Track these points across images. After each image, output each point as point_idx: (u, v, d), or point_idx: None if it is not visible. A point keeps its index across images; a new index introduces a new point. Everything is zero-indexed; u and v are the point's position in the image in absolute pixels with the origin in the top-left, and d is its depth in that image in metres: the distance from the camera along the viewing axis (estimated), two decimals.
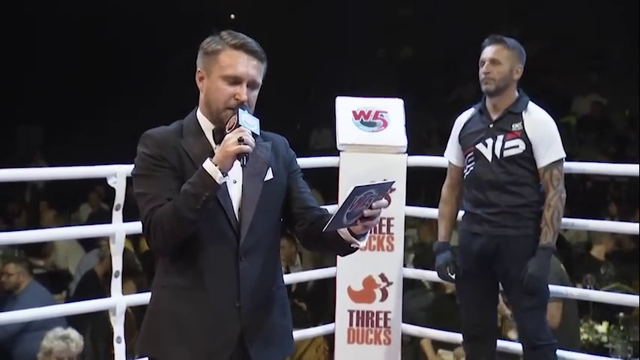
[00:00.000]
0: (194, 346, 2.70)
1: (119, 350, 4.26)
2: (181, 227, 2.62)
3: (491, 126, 4.31)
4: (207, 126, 2.78)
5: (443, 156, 4.64)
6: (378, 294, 4.93)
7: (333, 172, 4.97)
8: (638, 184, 8.38)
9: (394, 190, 4.75)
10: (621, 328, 6.26)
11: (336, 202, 4.34)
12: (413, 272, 5.82)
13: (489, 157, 4.28)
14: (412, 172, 4.96)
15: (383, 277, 4.93)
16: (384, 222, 4.89)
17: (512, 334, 5.46)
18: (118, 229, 4.24)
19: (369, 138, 4.91)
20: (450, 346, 5.74)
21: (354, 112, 4.98)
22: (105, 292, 4.78)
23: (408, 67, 15.64)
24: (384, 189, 2.58)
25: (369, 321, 4.92)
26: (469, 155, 4.37)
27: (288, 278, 5.04)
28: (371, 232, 3.94)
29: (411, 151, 4.98)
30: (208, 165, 2.60)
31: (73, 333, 5.08)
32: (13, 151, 14.85)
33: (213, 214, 2.67)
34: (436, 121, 13.20)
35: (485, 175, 4.29)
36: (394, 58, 16.58)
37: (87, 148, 10.74)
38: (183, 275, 2.73)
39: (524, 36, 9.26)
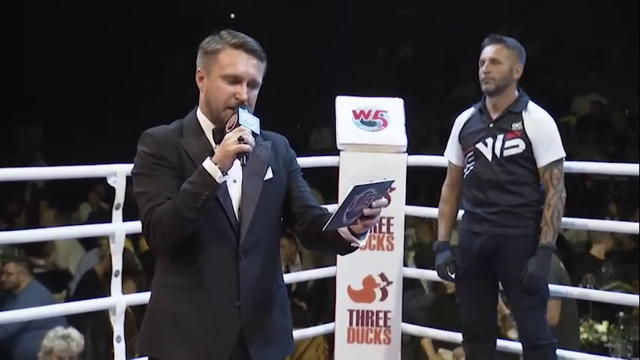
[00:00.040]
0: (194, 346, 2.70)
1: (119, 350, 4.26)
2: (181, 226, 2.62)
3: (491, 125, 4.31)
4: (207, 125, 2.78)
5: (443, 155, 4.64)
6: (378, 293, 4.93)
7: (333, 172, 4.97)
8: (638, 184, 8.37)
9: (394, 189, 4.75)
10: (621, 327, 6.26)
11: (336, 202, 4.34)
12: (413, 272, 5.82)
13: (489, 157, 4.28)
14: (412, 172, 4.96)
15: (383, 276, 4.93)
16: (384, 221, 4.89)
17: (513, 334, 5.47)
18: (118, 229, 4.24)
19: (369, 137, 4.91)
20: (450, 345, 5.74)
21: (354, 112, 4.98)
22: (105, 292, 4.78)
23: (408, 67, 15.65)
24: (383, 188, 2.58)
25: (369, 320, 4.92)
26: (469, 155, 4.37)
27: (288, 277, 5.04)
28: (371, 231, 3.95)
29: (411, 150, 4.98)
30: (208, 164, 2.60)
31: (73, 332, 5.08)
32: (13, 151, 14.86)
33: (213, 214, 2.67)
34: (436, 121, 13.21)
35: (485, 174, 4.29)
36: (394, 57, 16.58)
37: (87, 147, 10.75)
38: (182, 274, 2.73)
39: (524, 36, 9.27)
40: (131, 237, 7.05)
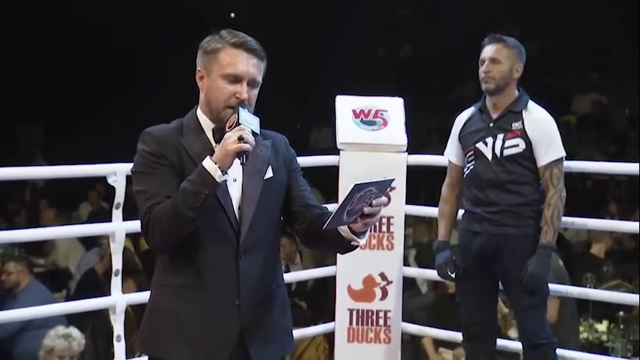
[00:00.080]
0: (194, 345, 2.70)
1: (119, 349, 4.26)
2: (180, 225, 2.62)
3: (491, 125, 4.31)
4: (207, 124, 2.78)
5: (443, 155, 4.64)
6: (378, 293, 4.93)
7: (333, 171, 4.97)
8: (638, 183, 8.37)
9: (394, 188, 4.75)
10: (621, 326, 6.27)
11: (336, 201, 4.34)
12: (412, 271, 5.82)
13: (489, 156, 4.28)
14: (412, 171, 4.96)
15: (383, 275, 4.93)
16: (384, 221, 4.89)
17: (513, 333, 5.47)
18: (118, 228, 4.25)
19: (369, 137, 4.91)
20: (451, 345, 5.75)
21: (353, 111, 4.98)
22: (105, 291, 4.78)
23: (408, 67, 15.64)
24: (383, 186, 2.58)
25: (369, 320, 4.92)
26: (469, 154, 4.37)
27: (288, 277, 5.03)
28: (371, 230, 3.95)
29: (411, 150, 4.98)
30: (208, 163, 2.60)
31: (74, 331, 5.09)
32: (13, 151, 14.86)
33: (212, 213, 2.67)
34: (436, 121, 13.20)
35: (486, 173, 4.29)
36: (394, 57, 16.58)
37: (87, 147, 10.74)
38: (182, 274, 2.73)
39: (524, 35, 9.26)
40: (131, 236, 7.05)
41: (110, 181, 4.19)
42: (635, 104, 12.57)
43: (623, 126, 13.14)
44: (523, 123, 4.25)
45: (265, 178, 2.78)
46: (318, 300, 6.88)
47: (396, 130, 4.95)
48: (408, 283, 6.41)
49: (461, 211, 4.54)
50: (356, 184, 2.50)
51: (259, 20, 13.42)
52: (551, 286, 4.43)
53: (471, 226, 4.35)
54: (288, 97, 13.66)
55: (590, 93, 13.61)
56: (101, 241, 7.47)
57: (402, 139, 4.93)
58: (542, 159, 4.22)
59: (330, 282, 5.11)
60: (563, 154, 4.26)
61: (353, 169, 4.82)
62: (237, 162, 2.62)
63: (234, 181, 2.74)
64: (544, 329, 4.27)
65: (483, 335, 4.41)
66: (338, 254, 4.74)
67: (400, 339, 5.00)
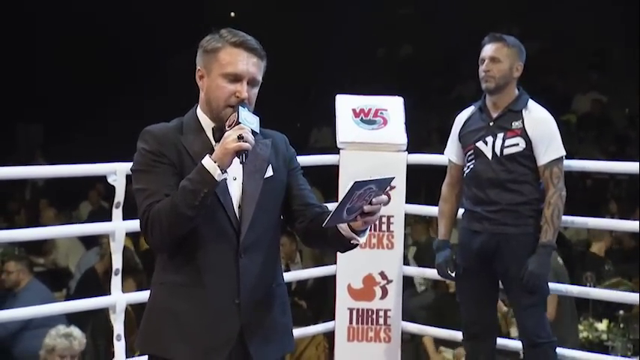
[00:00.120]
0: (193, 343, 2.70)
1: (119, 348, 4.26)
2: (179, 223, 2.62)
3: (491, 124, 4.31)
4: (207, 123, 2.78)
5: (443, 154, 4.64)
6: (378, 292, 4.93)
7: (333, 170, 4.97)
8: (638, 182, 8.38)
9: (394, 187, 4.75)
10: (621, 325, 6.27)
11: (336, 200, 4.34)
12: (412, 270, 5.82)
13: (489, 155, 4.28)
14: (412, 170, 4.96)
15: (383, 274, 4.93)
16: (384, 220, 4.89)
17: (515, 332, 5.47)
18: (118, 227, 4.25)
19: (369, 136, 4.91)
20: (452, 344, 5.75)
21: (353, 110, 4.97)
22: (105, 290, 4.78)
23: (408, 66, 15.64)
24: (383, 184, 2.58)
25: (369, 319, 4.92)
26: (469, 153, 4.37)
27: (288, 276, 5.04)
28: (371, 229, 3.95)
29: (411, 149, 4.98)
30: (207, 161, 2.60)
31: (75, 331, 5.08)
32: (13, 150, 14.86)
33: (212, 211, 2.68)
34: (436, 120, 13.21)
35: (486, 173, 4.29)
36: (394, 57, 16.58)
37: (87, 147, 10.74)
38: (181, 272, 2.73)
39: (524, 35, 9.26)
40: (131, 235, 7.05)
41: (110, 180, 4.19)
42: (635, 104, 12.57)
43: (623, 125, 13.14)
44: (523, 122, 4.25)
45: (265, 176, 2.78)
46: (318, 299, 6.88)
47: (396, 129, 4.94)
48: (406, 282, 6.42)
49: (461, 210, 4.54)
50: (356, 182, 2.50)
51: (259, 19, 13.42)
52: (551, 285, 4.43)
53: (471, 225, 4.35)
54: (288, 96, 13.66)
55: (590, 92, 13.60)
56: (101, 240, 7.47)
57: (402, 138, 4.93)
58: (542, 158, 4.22)
59: (330, 281, 5.11)
60: (563, 153, 4.26)
61: (353, 169, 4.81)
62: (236, 161, 2.62)
63: (234, 180, 2.74)
64: (544, 328, 4.27)
65: (483, 334, 4.41)
66: (338, 253, 4.74)
67: (400, 338, 5.00)
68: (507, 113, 4.29)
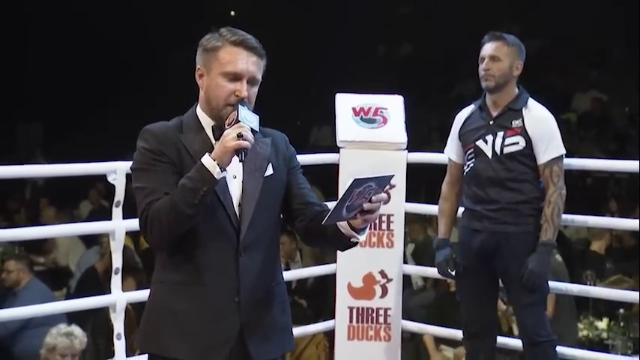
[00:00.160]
0: (193, 342, 2.70)
1: (119, 347, 4.26)
2: (178, 222, 2.62)
3: (491, 123, 4.31)
4: (206, 122, 2.78)
5: (443, 153, 4.64)
6: (378, 290, 4.93)
7: (333, 169, 4.97)
8: (638, 181, 8.38)
9: (394, 186, 4.75)
10: (621, 324, 6.27)
11: (336, 199, 4.34)
12: (413, 269, 5.82)
13: (489, 154, 4.28)
14: (412, 169, 4.96)
15: (383, 273, 4.93)
16: (384, 218, 4.90)
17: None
18: (118, 226, 4.25)
19: (369, 135, 4.91)
20: (453, 343, 5.75)
21: (353, 109, 4.97)
22: (105, 289, 4.79)
23: (409, 65, 15.64)
24: (383, 182, 2.58)
25: (369, 317, 4.92)
26: (469, 152, 4.37)
27: (288, 275, 5.04)
28: (371, 228, 3.95)
29: (411, 148, 4.97)
30: (207, 160, 2.60)
31: (76, 330, 5.09)
32: (13, 149, 14.85)
33: (212, 210, 2.68)
34: (436, 119, 13.21)
35: (486, 171, 4.29)
36: (394, 55, 16.59)
37: (87, 146, 10.74)
38: (181, 271, 2.73)
39: (524, 33, 9.27)
40: (131, 234, 7.06)
41: (110, 179, 4.19)
42: (635, 102, 12.57)
43: (623, 124, 13.14)
44: (523, 121, 4.25)
45: (265, 175, 2.78)
46: (319, 298, 6.88)
47: (396, 128, 4.94)
48: (404, 280, 6.42)
49: (461, 209, 4.54)
50: (355, 179, 2.49)
51: (259, 18, 13.42)
52: (551, 284, 4.43)
53: (471, 223, 4.35)
54: (288, 95, 13.66)
55: (590, 91, 13.61)
56: (101, 239, 7.47)
57: (402, 137, 4.93)
58: (542, 156, 4.22)
59: (330, 280, 5.11)
60: (563, 151, 4.26)
61: (353, 167, 4.81)
62: (236, 159, 2.62)
63: (234, 179, 2.74)
64: (544, 327, 4.27)
65: (483, 333, 4.41)
66: (338, 252, 4.74)
67: (400, 337, 5.00)
68: (507, 112, 4.29)
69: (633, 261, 7.38)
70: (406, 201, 4.97)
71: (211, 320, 2.71)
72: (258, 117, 2.70)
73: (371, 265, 4.92)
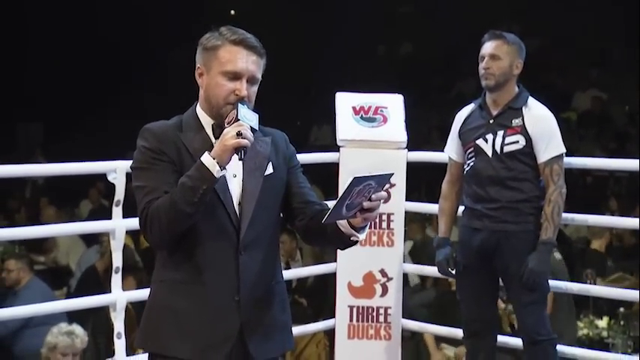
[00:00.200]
0: (193, 341, 2.70)
1: (119, 346, 4.26)
2: (178, 220, 2.63)
3: (491, 121, 4.31)
4: (206, 121, 2.78)
5: (443, 152, 4.64)
6: (378, 289, 4.93)
7: (333, 168, 4.97)
8: (638, 180, 8.37)
9: (394, 185, 4.75)
10: (621, 323, 6.26)
11: (336, 198, 4.35)
12: (413, 268, 5.82)
13: (489, 153, 4.28)
14: (412, 168, 4.96)
15: (383, 272, 4.93)
16: (384, 217, 4.90)
17: None
18: (118, 225, 4.26)
19: (369, 133, 4.91)
20: (454, 342, 5.74)
21: (353, 108, 4.97)
22: (105, 288, 4.79)
23: (409, 64, 15.65)
24: (383, 181, 2.58)
25: (370, 316, 4.92)
26: (469, 151, 4.37)
27: (288, 274, 5.04)
28: (371, 227, 3.95)
29: (411, 147, 4.97)
30: (206, 158, 2.60)
31: (77, 329, 5.09)
32: (13, 149, 14.85)
33: (212, 209, 2.68)
34: (436, 118, 13.21)
35: (486, 170, 4.29)
36: (394, 55, 16.59)
37: (87, 145, 10.74)
38: (181, 269, 2.73)
39: (524, 32, 9.26)
40: (131, 234, 7.06)
41: (110, 178, 4.19)
42: (635, 101, 12.58)
43: (623, 122, 13.14)
44: (523, 119, 4.25)
45: (265, 174, 2.78)
46: (319, 297, 6.88)
47: (396, 127, 4.94)
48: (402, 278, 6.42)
49: (461, 208, 4.54)
50: (355, 178, 2.49)
51: (259, 17, 13.42)
52: (551, 282, 4.43)
53: (471, 222, 4.35)
54: (288, 94, 13.67)
55: (590, 89, 13.61)
56: (101, 238, 7.47)
57: (402, 136, 4.93)
58: (543, 155, 4.22)
59: (330, 279, 5.11)
60: (564, 150, 4.26)
61: (353, 166, 4.81)
62: (236, 158, 2.62)
63: (235, 177, 2.74)
64: (544, 325, 4.27)
65: (483, 332, 4.42)
66: (338, 251, 4.74)
67: (400, 335, 5.00)
68: (507, 111, 4.29)
69: (633, 260, 7.39)
70: (406, 200, 4.97)
71: (211, 319, 2.71)
72: (257, 115, 2.70)
73: (371, 264, 4.92)
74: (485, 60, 4.31)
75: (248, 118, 2.65)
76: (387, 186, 2.68)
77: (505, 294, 4.88)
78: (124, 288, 4.41)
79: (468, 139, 4.38)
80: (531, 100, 4.32)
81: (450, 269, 4.48)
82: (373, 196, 2.57)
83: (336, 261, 4.99)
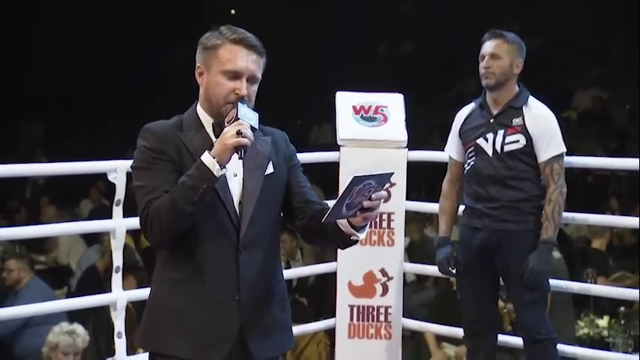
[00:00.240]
0: (194, 340, 2.71)
1: (120, 345, 4.26)
2: (178, 219, 2.63)
3: (491, 121, 4.31)
4: (207, 120, 2.78)
5: (443, 151, 4.64)
6: (379, 289, 4.93)
7: (333, 167, 4.97)
8: (638, 179, 8.38)
9: (394, 184, 4.75)
10: (622, 322, 6.27)
11: (337, 197, 4.35)
12: (413, 267, 5.82)
13: (490, 152, 4.28)
14: (413, 167, 4.96)
15: (383, 271, 4.93)
16: (385, 217, 4.90)
17: None
18: (119, 225, 4.26)
19: (369, 133, 4.91)
20: (455, 341, 5.74)
21: (354, 107, 4.97)
22: (106, 288, 4.79)
23: (409, 64, 15.64)
24: (383, 180, 2.58)
25: (370, 316, 4.92)
26: (470, 150, 4.37)
27: (289, 273, 5.04)
28: (371, 226, 3.96)
29: (412, 146, 4.97)
30: (206, 157, 2.61)
31: (78, 328, 5.09)
32: (13, 148, 14.85)
33: (212, 208, 2.68)
34: (437, 117, 13.21)
35: (486, 169, 4.29)
36: (395, 54, 16.58)
37: (87, 145, 10.74)
38: (181, 269, 2.73)
39: (524, 31, 9.25)
40: (132, 233, 7.07)
41: (110, 178, 4.19)
42: (635, 100, 12.57)
43: (624, 122, 13.14)
44: (523, 119, 4.25)
45: (266, 173, 2.78)
46: (319, 296, 6.88)
47: (396, 126, 4.94)
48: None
49: (461, 207, 4.54)
50: (355, 177, 2.49)
51: (260, 17, 13.42)
52: (551, 281, 4.43)
53: (472, 221, 4.35)
54: (288, 93, 13.67)
55: (591, 89, 13.60)
56: (102, 238, 7.47)
57: (403, 135, 4.93)
58: (543, 155, 4.22)
59: (330, 278, 5.11)
60: (564, 149, 4.26)
61: (353, 165, 4.81)
62: (236, 157, 2.62)
63: (235, 177, 2.74)
64: (544, 325, 4.27)
65: (484, 331, 4.42)
66: (338, 250, 4.73)
67: (401, 335, 5.00)
68: (508, 110, 4.29)
69: (634, 259, 7.39)
70: (406, 199, 4.97)
71: (211, 318, 2.71)
72: (257, 115, 2.70)
73: (371, 264, 4.92)
74: (485, 59, 4.31)
75: (248, 117, 2.65)
76: (387, 185, 2.68)
77: (505, 293, 4.88)
78: (125, 287, 4.41)
79: (469, 138, 4.38)
80: (532, 100, 4.32)
81: (450, 268, 4.48)
82: (373, 195, 2.57)
83: (336, 260, 4.99)
